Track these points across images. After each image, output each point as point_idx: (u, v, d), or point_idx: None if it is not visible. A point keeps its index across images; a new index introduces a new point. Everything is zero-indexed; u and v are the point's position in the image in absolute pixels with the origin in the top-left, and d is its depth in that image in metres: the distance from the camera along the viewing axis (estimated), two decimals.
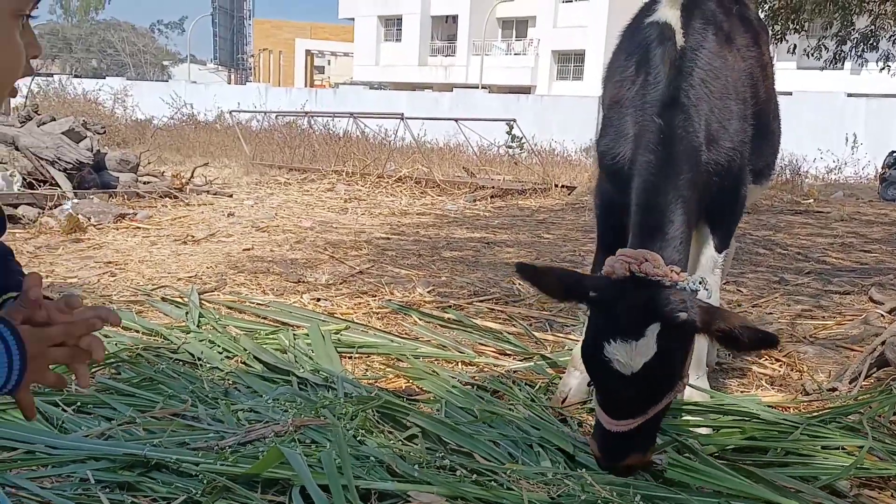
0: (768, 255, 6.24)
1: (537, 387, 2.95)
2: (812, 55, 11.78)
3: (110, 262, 4.97)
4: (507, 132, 14.55)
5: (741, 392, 3.05)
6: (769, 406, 2.77)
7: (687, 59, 2.33)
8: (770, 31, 10.67)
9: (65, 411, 2.40)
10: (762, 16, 11.00)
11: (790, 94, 21.19)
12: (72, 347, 0.99)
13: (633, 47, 2.47)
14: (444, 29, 43.96)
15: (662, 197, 2.15)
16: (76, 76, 32.16)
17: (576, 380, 2.76)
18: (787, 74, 29.08)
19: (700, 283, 1.98)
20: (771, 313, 4.30)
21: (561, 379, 2.90)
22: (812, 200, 10.34)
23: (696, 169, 2.23)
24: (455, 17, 42.57)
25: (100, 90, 20.04)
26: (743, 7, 2.86)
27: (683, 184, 2.17)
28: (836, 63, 11.81)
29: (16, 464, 2.05)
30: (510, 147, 14.56)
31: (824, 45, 11.62)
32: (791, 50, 11.76)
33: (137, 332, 3.39)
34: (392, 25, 44.82)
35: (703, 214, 2.44)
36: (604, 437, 1.96)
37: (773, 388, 3.09)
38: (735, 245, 3.44)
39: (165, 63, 61.27)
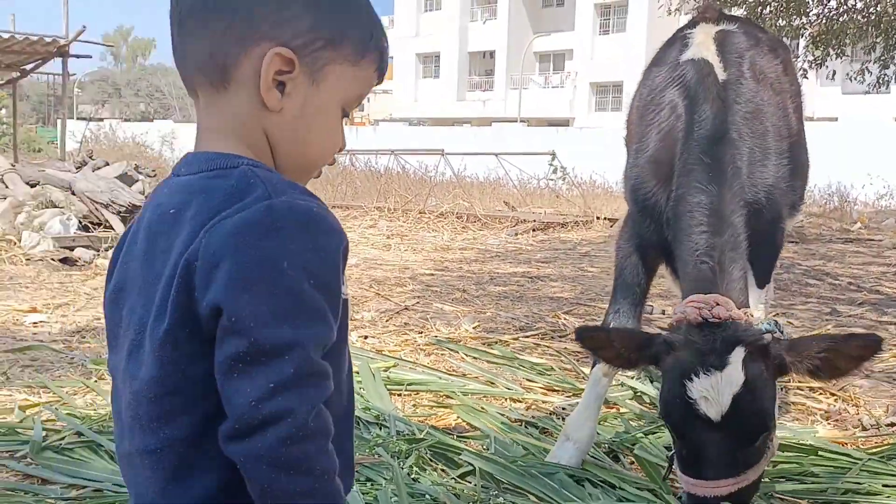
0: (819, 286, 6.13)
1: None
2: (855, 79, 11.64)
3: None
4: (549, 163, 14.59)
5: (797, 426, 3.00)
6: (827, 441, 2.73)
7: (731, 93, 2.31)
8: (811, 57, 10.62)
9: None
10: (803, 43, 10.94)
11: (836, 119, 20.90)
12: None
13: (668, 82, 2.43)
14: (482, 64, 44.46)
15: (719, 238, 2.08)
16: (125, 120, 33.29)
17: (568, 452, 2.52)
18: (831, 100, 28.69)
19: (775, 324, 1.91)
20: None
21: (560, 440, 2.61)
22: (862, 227, 10.14)
23: (746, 207, 2.19)
24: (492, 53, 43.06)
25: (147, 133, 20.70)
26: (767, 36, 2.85)
27: (739, 222, 2.12)
28: (879, 87, 11.64)
29: (85, 501, 2.13)
30: (551, 179, 14.59)
31: (867, 69, 11.48)
32: (831, 76, 11.63)
33: None
34: (430, 62, 45.48)
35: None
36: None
37: (828, 424, 3.04)
38: (773, 277, 3.40)
39: None
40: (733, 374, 1.73)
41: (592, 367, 2.62)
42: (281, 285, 0.84)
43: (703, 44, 2.44)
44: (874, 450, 2.61)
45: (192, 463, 0.90)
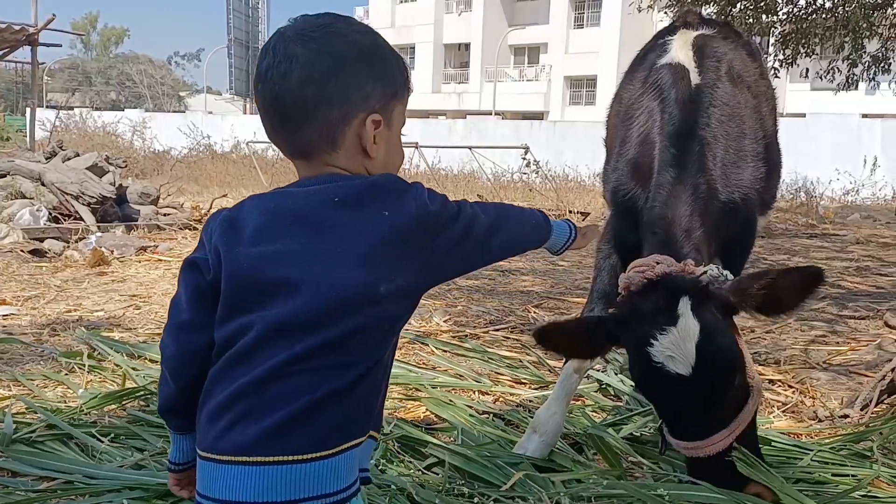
0: None
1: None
2: (824, 77, 11.85)
3: (134, 296, 5.10)
4: (521, 157, 14.68)
5: None
6: (781, 432, 2.82)
7: (704, 96, 2.38)
8: (781, 55, 10.79)
9: (101, 442, 2.50)
10: (772, 41, 11.11)
11: (804, 115, 21.21)
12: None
13: (645, 87, 2.50)
14: (457, 56, 44.45)
15: (672, 212, 2.13)
16: (96, 109, 32.81)
17: (534, 444, 2.56)
18: (800, 96, 29.12)
19: (718, 269, 1.92)
20: (785, 339, 4.34)
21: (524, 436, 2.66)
22: (827, 222, 10.35)
23: (710, 198, 2.24)
24: (467, 45, 43.05)
25: (119, 122, 20.44)
26: (744, 40, 2.93)
27: (697, 202, 2.18)
28: (848, 86, 11.85)
29: (56, 493, 2.15)
30: (524, 173, 14.69)
31: (836, 68, 11.69)
32: (804, 74, 11.83)
33: None
34: (405, 54, 45.33)
35: (717, 251, 2.46)
36: (702, 468, 1.83)
37: (785, 415, 3.14)
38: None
39: (182, 94, 62.25)
40: (688, 324, 1.75)
41: (564, 363, 2.67)
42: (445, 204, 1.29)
43: (680, 48, 2.50)
44: (826, 441, 2.71)
45: None
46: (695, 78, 2.40)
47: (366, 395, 1.20)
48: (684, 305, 1.76)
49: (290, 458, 1.13)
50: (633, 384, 3.25)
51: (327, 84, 1.20)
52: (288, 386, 1.14)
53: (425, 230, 1.23)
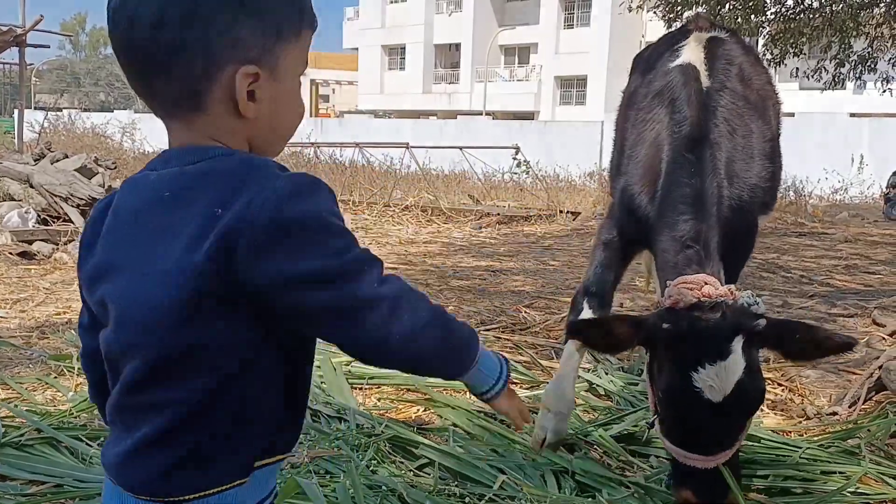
0: (772, 279, 6.30)
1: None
2: (812, 77, 11.93)
3: None
4: (513, 157, 14.71)
5: None
6: (770, 430, 2.84)
7: (713, 98, 2.41)
8: (770, 55, 10.86)
9: (90, 446, 2.49)
10: (761, 41, 11.18)
11: (792, 115, 21.32)
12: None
13: (656, 88, 2.52)
14: (448, 57, 44.46)
15: (703, 224, 2.19)
16: (85, 110, 32.64)
17: (550, 421, 2.64)
18: (789, 95, 29.29)
19: (753, 296, 1.99)
20: None
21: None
22: (816, 221, 10.41)
23: (721, 202, 2.29)
24: (458, 45, 43.06)
25: (108, 124, 20.33)
26: (753, 49, 2.96)
27: (715, 213, 2.23)
28: (835, 85, 11.94)
29: (45, 497, 2.14)
30: (515, 173, 14.72)
31: (824, 68, 11.77)
32: (793, 73, 11.90)
33: None
34: (396, 54, 45.35)
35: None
36: (700, 478, 1.91)
37: (774, 413, 3.16)
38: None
39: None
40: (736, 362, 1.85)
41: (565, 342, 2.76)
42: (330, 228, 0.99)
43: (692, 51, 2.53)
44: (815, 438, 2.73)
45: None
46: (705, 81, 2.43)
47: (231, 419, 1.00)
48: (737, 343, 1.86)
49: (130, 494, 1.01)
50: (623, 384, 3.27)
51: (183, 28, 0.96)
52: (130, 412, 1.01)
53: (254, 251, 0.93)
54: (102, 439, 2.57)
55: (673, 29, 2.98)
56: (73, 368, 3.38)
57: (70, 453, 2.46)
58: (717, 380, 1.83)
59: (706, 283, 1.95)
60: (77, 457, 2.44)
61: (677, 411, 1.94)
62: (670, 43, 2.68)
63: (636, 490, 2.30)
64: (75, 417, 2.80)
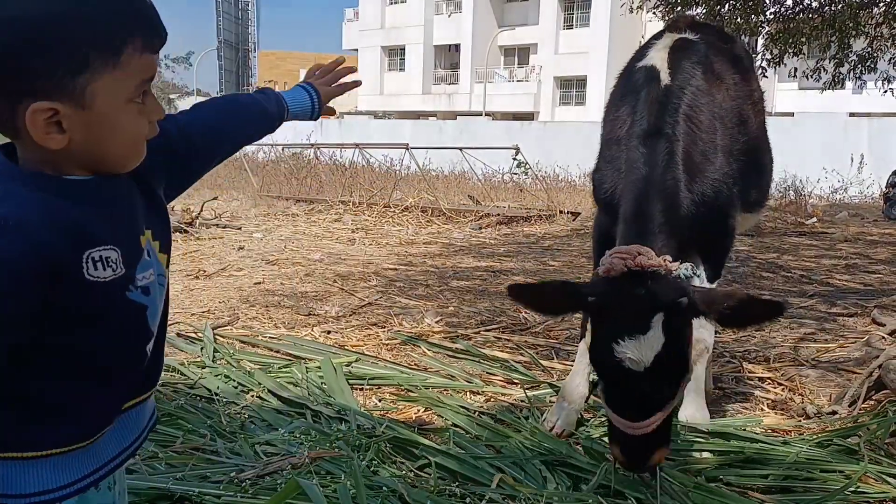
0: (772, 278, 6.30)
1: (544, 416, 3.02)
2: (811, 76, 11.92)
3: None
4: (512, 157, 14.71)
5: (743, 416, 3.11)
6: (770, 429, 2.85)
7: (673, 96, 2.50)
8: (769, 55, 10.86)
9: None
10: (760, 41, 11.18)
11: (792, 114, 21.34)
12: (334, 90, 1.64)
13: (625, 90, 2.66)
14: (447, 57, 44.46)
15: (647, 204, 2.30)
16: None
17: (563, 410, 2.84)
18: (788, 95, 29.26)
19: (691, 269, 2.10)
20: (774, 337, 4.37)
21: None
22: (816, 221, 10.41)
23: (677, 193, 2.38)
24: (457, 46, 43.06)
25: None
26: (734, 45, 3.01)
27: (665, 199, 2.33)
28: (835, 85, 11.93)
29: None
30: (514, 174, 14.72)
31: (823, 67, 11.76)
32: (792, 73, 11.90)
33: None
34: (395, 55, 45.36)
35: (694, 246, 2.56)
36: (627, 442, 2.04)
37: (774, 412, 3.16)
38: (726, 270, 3.56)
39: (172, 97, 61.95)
40: (655, 336, 1.94)
41: (581, 340, 2.91)
42: None
43: (657, 52, 2.66)
44: (815, 437, 2.74)
45: None
46: (665, 79, 2.54)
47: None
48: (658, 320, 1.95)
49: None
50: None
51: None
52: None
53: None
54: None
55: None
56: None
57: None
58: (636, 352, 1.93)
59: (640, 254, 2.03)
60: None
61: (604, 378, 2.06)
62: (646, 46, 2.81)
63: (631, 486, 2.30)
64: None
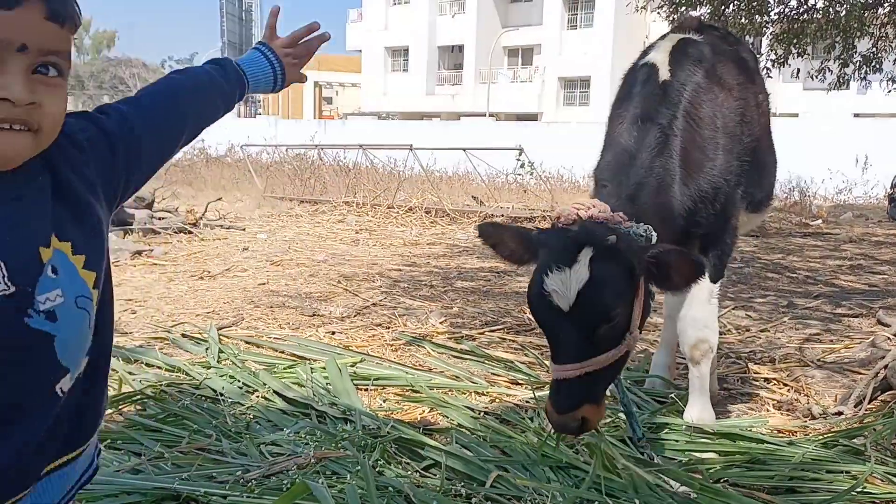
0: (778, 279, 6.30)
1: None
2: (816, 77, 11.89)
3: (130, 300, 5.09)
4: (516, 158, 14.67)
5: (749, 416, 3.11)
6: (776, 430, 2.84)
7: (672, 91, 2.55)
8: (773, 55, 10.83)
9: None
10: (765, 41, 11.15)
11: (796, 115, 21.27)
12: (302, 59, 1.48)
13: (627, 89, 2.70)
14: (451, 58, 44.44)
15: (626, 176, 2.39)
16: None
17: None
18: (793, 96, 29.19)
19: (648, 230, 2.15)
20: (780, 338, 4.36)
21: None
22: (821, 222, 10.39)
23: (670, 184, 2.43)
24: (461, 47, 43.04)
25: None
26: (740, 47, 3.02)
27: (654, 181, 2.39)
28: (839, 85, 11.90)
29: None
30: (518, 174, 14.69)
31: (828, 68, 11.74)
32: (795, 74, 11.87)
33: (160, 368, 3.50)
34: (399, 56, 45.34)
35: (695, 244, 2.59)
36: (554, 388, 2.07)
37: (780, 413, 3.16)
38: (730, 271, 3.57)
39: None
40: (580, 271, 2.00)
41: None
42: None
43: (659, 51, 2.70)
44: (820, 438, 2.73)
45: None
46: (665, 74, 2.60)
47: None
48: (585, 254, 2.02)
49: None
50: (628, 386, 3.27)
51: None
52: None
53: None
54: (109, 441, 2.59)
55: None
56: None
57: None
58: (560, 285, 1.99)
59: (594, 207, 2.12)
60: None
61: (534, 314, 2.09)
62: (650, 46, 2.86)
63: (634, 485, 2.29)
64: None
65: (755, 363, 3.80)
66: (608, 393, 3.26)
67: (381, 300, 5.22)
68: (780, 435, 2.81)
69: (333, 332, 4.34)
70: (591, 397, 2.07)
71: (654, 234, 2.16)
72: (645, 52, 2.80)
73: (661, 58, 2.66)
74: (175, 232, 8.16)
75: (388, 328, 4.45)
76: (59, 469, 1.05)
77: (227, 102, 1.37)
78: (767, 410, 3.18)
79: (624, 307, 2.07)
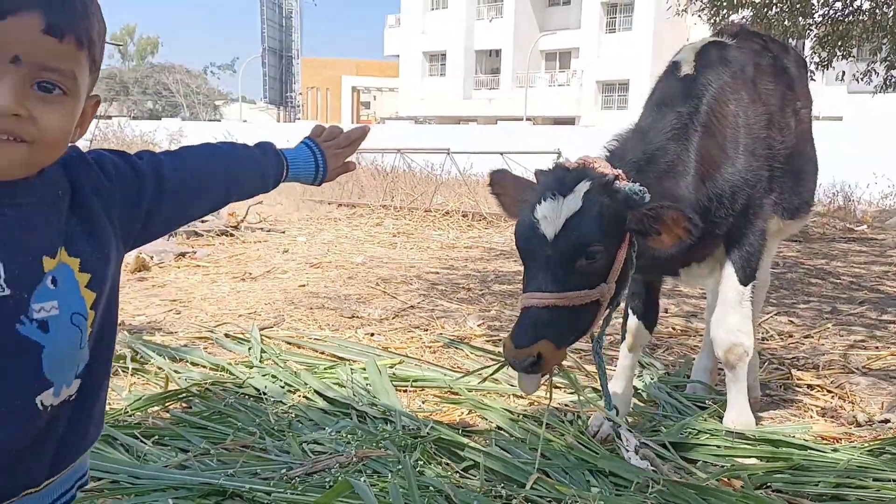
0: (821, 285, 6.18)
1: (588, 420, 3.02)
2: (861, 80, 11.66)
3: (174, 300, 5.20)
4: (554, 162, 14.61)
5: (791, 423, 3.07)
6: (820, 437, 2.80)
7: (695, 85, 2.59)
8: (817, 58, 10.65)
9: (144, 443, 2.56)
10: (809, 43, 10.97)
11: (840, 119, 20.85)
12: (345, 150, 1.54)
13: (653, 88, 2.77)
14: (488, 62, 44.47)
15: (633, 147, 2.45)
16: (133, 118, 33.46)
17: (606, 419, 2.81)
18: (836, 99, 28.62)
19: (640, 190, 2.19)
20: (824, 344, 4.29)
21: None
22: (866, 227, 10.18)
23: (683, 173, 2.47)
24: (498, 51, 43.07)
25: (156, 132, 20.82)
26: (784, 55, 3.00)
27: (665, 161, 2.43)
28: (886, 88, 11.65)
29: (102, 493, 2.21)
30: None
31: (874, 70, 11.50)
32: (840, 77, 11.66)
33: (205, 367, 3.57)
34: (436, 60, 45.51)
35: (722, 246, 2.64)
36: (517, 322, 2.10)
37: (824, 420, 3.11)
38: (769, 276, 3.53)
39: (218, 103, 63.11)
40: (573, 201, 2.07)
41: (622, 343, 2.98)
42: None
43: (685, 51, 2.76)
44: (866, 446, 2.68)
45: None
46: (687, 70, 2.65)
47: None
48: (581, 187, 2.08)
49: None
50: (668, 391, 3.26)
51: None
52: None
53: None
54: (156, 437, 2.65)
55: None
56: (127, 368, 3.47)
57: (125, 450, 2.53)
58: (551, 212, 2.04)
59: (599, 164, 2.19)
60: (132, 454, 2.51)
61: (517, 243, 2.14)
62: (681, 48, 2.90)
63: (673, 491, 2.28)
64: (130, 416, 2.89)
65: (798, 369, 3.74)
66: (644, 394, 3.28)
67: (418, 302, 5.26)
68: (825, 442, 2.77)
69: (372, 334, 4.39)
70: (552, 336, 2.07)
71: (648, 195, 2.20)
72: (675, 54, 2.83)
73: (686, 56, 2.72)
74: (217, 234, 8.30)
75: (426, 330, 4.48)
76: (37, 492, 1.03)
77: (262, 182, 1.38)
78: (811, 417, 3.14)
79: (606, 249, 2.11)
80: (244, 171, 1.35)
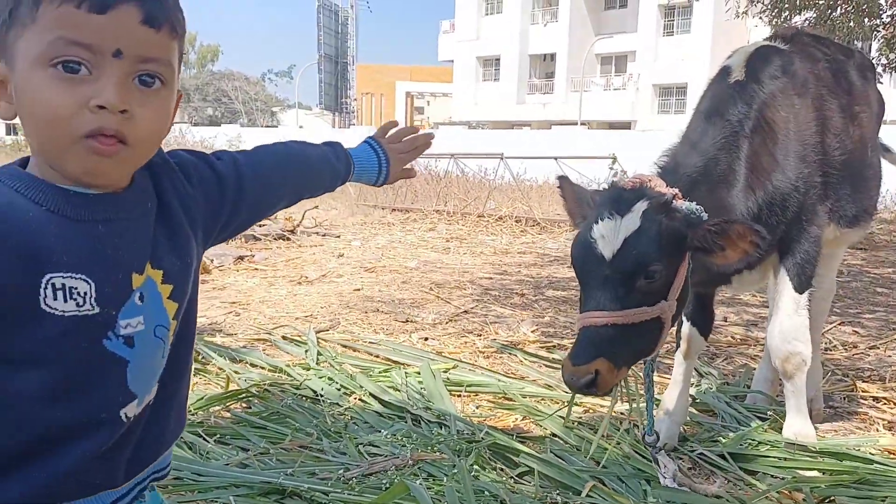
0: (888, 294, 5.99)
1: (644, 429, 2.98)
2: None
3: (234, 303, 5.32)
4: (609, 167, 14.47)
5: (856, 436, 2.98)
6: (886, 451, 2.71)
7: (745, 92, 2.56)
8: (885, 60, 10.32)
9: (207, 442, 2.64)
10: (876, 45, 10.64)
11: None
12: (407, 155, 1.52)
13: (703, 93, 2.75)
14: (542, 67, 44.31)
15: (685, 160, 2.43)
16: (194, 124, 34.34)
17: (664, 424, 2.82)
18: None
19: (697, 209, 2.17)
20: (890, 356, 4.16)
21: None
22: None
23: (733, 182, 2.45)
24: (553, 55, 42.88)
25: (215, 138, 21.35)
26: (846, 59, 2.94)
27: (712, 168, 2.42)
28: None
29: (167, 489, 2.28)
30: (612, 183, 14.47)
31: None
32: None
33: (264, 368, 3.65)
34: (490, 65, 45.55)
35: (776, 253, 2.62)
36: (575, 340, 2.09)
37: (891, 433, 3.01)
38: (834, 285, 3.44)
39: (275, 109, 64.35)
40: (632, 220, 2.04)
41: (677, 350, 2.93)
42: None
43: (736, 55, 2.73)
44: None
45: None
46: (737, 76, 2.61)
47: None
48: (639, 207, 2.06)
49: None
50: (728, 400, 3.21)
51: None
52: None
53: None
54: (218, 436, 2.72)
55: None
56: None
57: (188, 448, 2.61)
58: (609, 232, 2.03)
59: (655, 182, 2.18)
60: (195, 451, 2.59)
61: (574, 265, 2.13)
62: (733, 52, 2.86)
63: None
64: (193, 414, 2.97)
65: (863, 381, 3.64)
66: (702, 403, 3.23)
67: (472, 308, 5.27)
68: (892, 456, 2.68)
69: (426, 339, 4.41)
70: (609, 355, 2.04)
71: (706, 215, 2.17)
72: (726, 58, 2.79)
73: (737, 61, 2.68)
74: (274, 238, 8.46)
75: (480, 335, 4.49)
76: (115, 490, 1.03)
77: (332, 181, 1.40)
78: (877, 430, 3.04)
79: (666, 267, 2.08)
80: (317, 170, 1.37)
